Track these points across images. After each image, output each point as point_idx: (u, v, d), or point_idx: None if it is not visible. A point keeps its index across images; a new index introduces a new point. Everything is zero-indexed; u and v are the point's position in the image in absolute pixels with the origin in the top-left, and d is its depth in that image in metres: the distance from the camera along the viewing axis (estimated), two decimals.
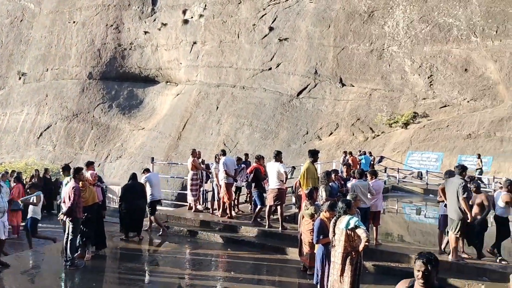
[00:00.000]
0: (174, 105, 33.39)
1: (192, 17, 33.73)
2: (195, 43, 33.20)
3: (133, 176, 10.36)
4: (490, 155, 20.45)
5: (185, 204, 12.87)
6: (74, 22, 38.96)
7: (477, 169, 18.97)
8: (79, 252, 8.50)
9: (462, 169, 8.03)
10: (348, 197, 6.46)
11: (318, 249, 6.53)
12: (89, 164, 9.55)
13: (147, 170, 11.07)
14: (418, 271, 3.23)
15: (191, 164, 11.98)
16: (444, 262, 8.09)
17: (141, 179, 10.70)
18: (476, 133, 21.57)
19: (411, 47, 24.95)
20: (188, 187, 12.21)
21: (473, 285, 7.34)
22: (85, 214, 8.41)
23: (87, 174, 8.94)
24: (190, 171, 12.07)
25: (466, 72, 23.23)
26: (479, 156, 19.63)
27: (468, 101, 22.95)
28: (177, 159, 27.23)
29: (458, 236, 7.91)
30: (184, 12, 34.10)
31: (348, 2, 27.39)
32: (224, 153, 11.78)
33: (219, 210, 11.52)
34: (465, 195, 7.67)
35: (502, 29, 22.33)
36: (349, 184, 9.44)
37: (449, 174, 8.45)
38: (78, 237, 8.33)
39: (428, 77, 24.21)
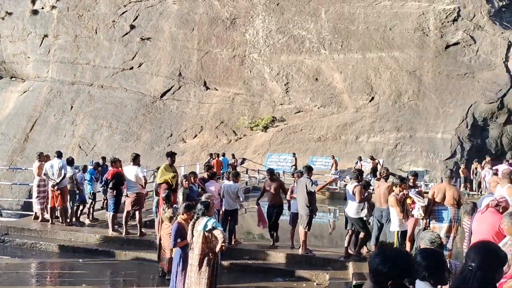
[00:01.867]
0: (20, 103, 29.89)
1: (43, 8, 30.65)
2: (46, 36, 30.23)
3: None
4: (337, 156, 22.77)
5: (31, 213, 11.58)
6: None
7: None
8: None
9: (308, 169, 8.83)
10: (203, 199, 6.51)
11: (176, 252, 6.45)
12: None
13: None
14: None
15: (37, 169, 10.81)
16: (294, 255, 8.73)
17: None
18: (325, 137, 23.83)
19: (270, 56, 26.46)
20: (34, 194, 11.00)
21: (320, 275, 8.03)
22: None
23: None
24: (36, 176, 10.88)
25: (316, 81, 25.51)
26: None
27: (318, 108, 25.21)
28: (23, 163, 24.37)
29: (306, 230, 8.59)
30: (33, 1, 30.80)
31: (211, 8, 27.84)
32: (58, 154, 10.59)
33: (63, 218, 10.59)
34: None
35: (346, 44, 25.09)
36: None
37: (299, 174, 9.16)
38: None
39: (285, 84, 25.95)
